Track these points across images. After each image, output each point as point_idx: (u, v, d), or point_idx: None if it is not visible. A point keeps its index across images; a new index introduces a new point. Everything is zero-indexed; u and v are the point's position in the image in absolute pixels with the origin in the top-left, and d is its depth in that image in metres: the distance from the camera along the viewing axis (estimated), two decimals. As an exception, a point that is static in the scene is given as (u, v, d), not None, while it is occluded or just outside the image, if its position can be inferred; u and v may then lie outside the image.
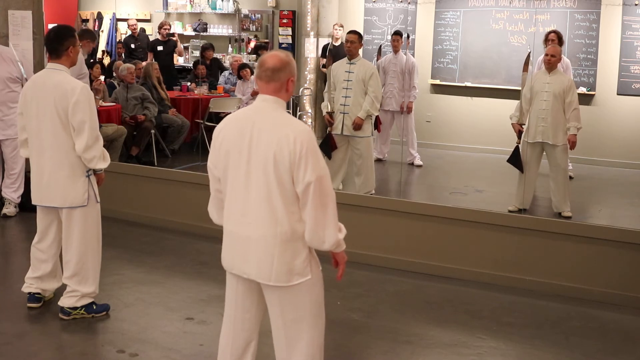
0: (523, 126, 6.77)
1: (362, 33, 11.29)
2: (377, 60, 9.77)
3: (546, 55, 6.75)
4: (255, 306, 3.22)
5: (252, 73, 10.59)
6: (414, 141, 9.46)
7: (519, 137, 6.78)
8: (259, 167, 2.98)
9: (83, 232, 4.53)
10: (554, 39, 8.31)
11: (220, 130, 3.14)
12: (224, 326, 3.31)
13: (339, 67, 7.20)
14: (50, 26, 8.38)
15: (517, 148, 6.79)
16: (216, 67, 11.38)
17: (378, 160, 9.10)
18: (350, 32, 7.29)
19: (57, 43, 4.47)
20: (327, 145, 7.10)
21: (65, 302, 4.57)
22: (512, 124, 6.87)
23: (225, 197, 3.15)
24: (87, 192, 4.49)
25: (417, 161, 9.41)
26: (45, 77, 4.47)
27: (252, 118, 3.05)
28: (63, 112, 4.34)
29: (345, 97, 7.08)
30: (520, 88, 7.12)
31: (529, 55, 7.21)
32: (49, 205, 4.52)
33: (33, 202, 4.61)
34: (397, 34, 9.55)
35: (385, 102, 9.35)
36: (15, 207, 6.95)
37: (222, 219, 3.19)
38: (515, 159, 6.77)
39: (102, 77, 10.41)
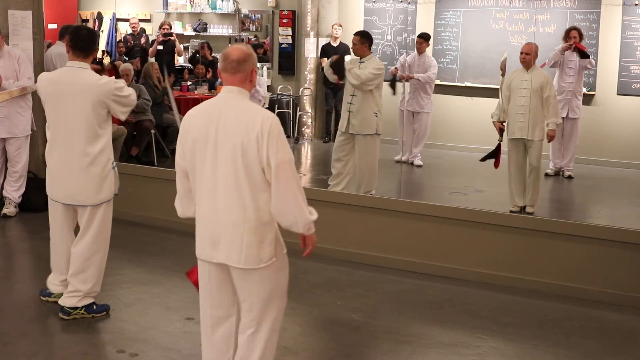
0: (504, 124, 6.92)
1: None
2: None
3: (521, 53, 6.84)
4: (227, 302, 3.30)
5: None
6: (422, 141, 9.52)
7: (500, 134, 6.94)
8: (227, 154, 3.10)
9: (100, 229, 4.59)
10: (576, 35, 8.40)
11: (186, 122, 3.27)
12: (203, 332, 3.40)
13: (352, 66, 7.18)
14: (51, 26, 8.38)
15: (498, 145, 6.97)
16: (215, 66, 11.38)
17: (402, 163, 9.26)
18: (355, 33, 7.31)
19: (92, 43, 4.53)
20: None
21: (66, 302, 4.56)
22: (493, 122, 7.01)
23: (194, 187, 3.27)
24: (113, 184, 4.59)
25: (417, 161, 9.41)
26: (75, 75, 4.44)
27: (218, 108, 3.17)
28: (101, 108, 4.41)
29: (353, 95, 7.08)
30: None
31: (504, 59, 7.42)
32: (82, 204, 4.51)
33: (63, 201, 4.54)
34: (421, 36, 9.62)
35: (409, 102, 9.50)
36: (15, 207, 6.96)
37: (188, 211, 3.38)
38: (493, 155, 6.96)
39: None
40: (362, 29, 11.05)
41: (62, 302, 4.58)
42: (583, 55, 8.32)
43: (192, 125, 3.22)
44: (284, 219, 3.13)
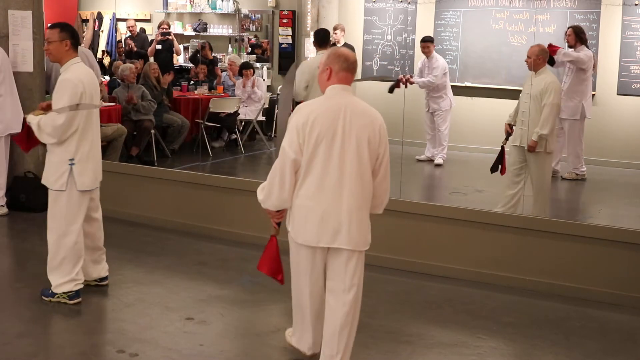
0: (513, 127, 6.61)
1: (361, 33, 11.36)
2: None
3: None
4: (323, 279, 3.63)
5: (254, 73, 10.60)
6: (441, 141, 9.68)
7: (506, 138, 6.67)
8: (353, 146, 3.43)
9: None
10: (570, 34, 8.37)
11: (309, 117, 3.42)
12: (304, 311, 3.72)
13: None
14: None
15: (502, 148, 6.67)
16: (214, 66, 11.38)
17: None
18: None
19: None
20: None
21: (107, 266, 5.07)
22: (504, 123, 6.72)
23: (307, 177, 3.46)
24: None
25: (438, 160, 9.59)
26: (88, 73, 4.76)
27: (342, 104, 3.46)
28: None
29: None
30: (520, 88, 7.14)
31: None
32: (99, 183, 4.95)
33: (95, 186, 4.83)
34: (423, 40, 9.71)
35: (426, 103, 9.75)
36: (2, 205, 6.89)
37: (287, 203, 3.54)
38: (499, 161, 6.64)
39: (106, 77, 10.42)
40: (362, 29, 11.11)
41: (103, 273, 5.01)
42: (551, 62, 7.02)
43: (317, 121, 3.41)
44: (379, 203, 3.62)
